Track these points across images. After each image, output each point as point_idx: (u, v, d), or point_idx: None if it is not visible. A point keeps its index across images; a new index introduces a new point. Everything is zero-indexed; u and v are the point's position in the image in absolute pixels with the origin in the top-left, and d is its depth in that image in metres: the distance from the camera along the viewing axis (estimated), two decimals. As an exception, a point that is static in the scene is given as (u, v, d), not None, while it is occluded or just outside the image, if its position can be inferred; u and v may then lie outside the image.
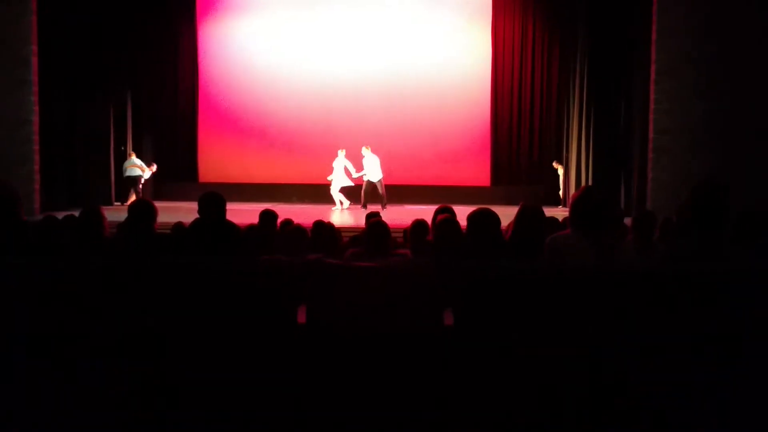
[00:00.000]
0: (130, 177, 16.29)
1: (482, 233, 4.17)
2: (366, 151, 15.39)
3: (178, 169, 17.70)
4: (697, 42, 12.08)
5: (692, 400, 3.21)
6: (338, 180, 15.57)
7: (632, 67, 14.15)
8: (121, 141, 16.51)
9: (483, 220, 4.21)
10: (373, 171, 15.23)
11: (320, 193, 16.53)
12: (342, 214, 14.34)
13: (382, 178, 15.28)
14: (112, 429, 3.33)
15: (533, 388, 3.28)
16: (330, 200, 15.70)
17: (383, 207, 14.92)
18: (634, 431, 3.25)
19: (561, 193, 16.73)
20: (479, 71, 17.57)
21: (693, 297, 3.23)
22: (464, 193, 15.79)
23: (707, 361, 3.20)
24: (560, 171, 16.82)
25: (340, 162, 15.55)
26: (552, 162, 17.03)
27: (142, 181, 16.36)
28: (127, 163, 16.32)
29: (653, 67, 12.52)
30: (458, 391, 3.31)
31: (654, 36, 12.48)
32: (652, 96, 12.56)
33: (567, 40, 16.90)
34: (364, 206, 15.00)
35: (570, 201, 3.94)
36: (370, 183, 15.29)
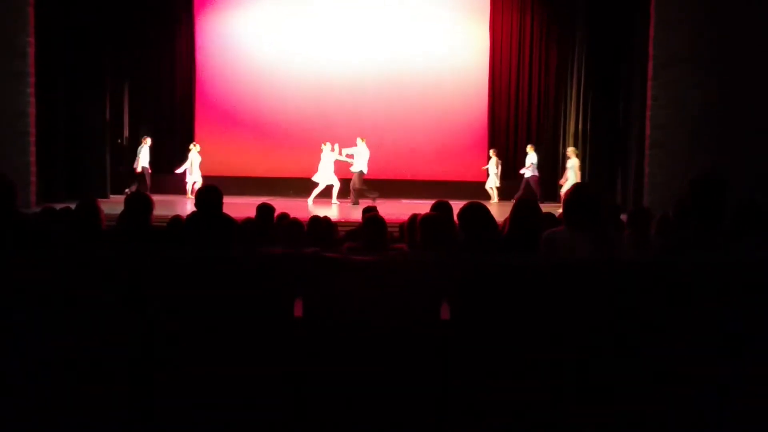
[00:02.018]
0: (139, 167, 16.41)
1: (474, 227, 4.17)
2: (361, 143, 15.33)
3: (175, 162, 17.66)
4: (695, 37, 12.07)
5: (691, 393, 3.23)
6: (328, 176, 15.38)
7: (630, 62, 14.14)
8: (117, 133, 16.50)
9: (473, 213, 4.23)
10: (360, 162, 15.16)
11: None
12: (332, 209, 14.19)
13: (365, 173, 15.21)
14: (107, 420, 3.33)
15: (531, 382, 3.29)
16: (327, 194, 15.63)
17: (354, 203, 14.91)
18: (633, 425, 3.26)
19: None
20: (477, 66, 17.57)
21: (691, 289, 3.24)
22: (461, 188, 15.77)
23: (706, 354, 3.21)
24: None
25: (331, 156, 15.38)
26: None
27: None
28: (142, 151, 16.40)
29: (651, 63, 12.51)
30: (455, 384, 3.32)
31: (652, 32, 12.47)
32: (649, 92, 12.56)
33: (565, 36, 16.90)
34: (356, 203, 14.94)
35: (563, 199, 3.94)
36: (354, 174, 15.21)
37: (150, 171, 16.47)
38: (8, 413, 3.31)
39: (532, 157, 16.21)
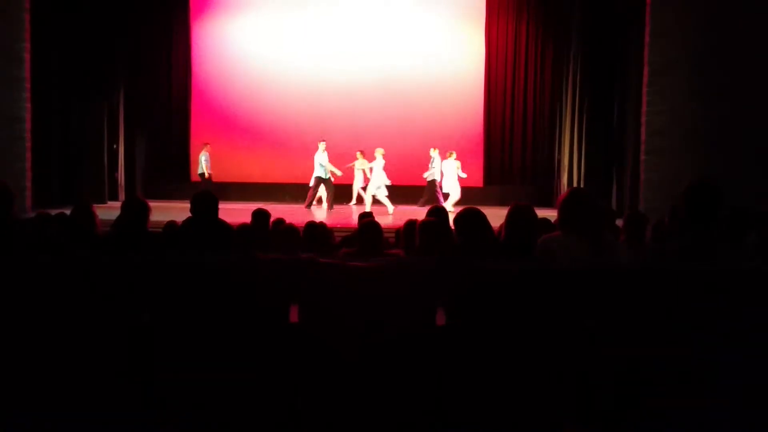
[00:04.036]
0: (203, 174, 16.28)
1: (470, 233, 4.18)
2: (322, 145, 15.15)
3: (171, 168, 17.65)
4: (690, 43, 12.10)
5: (686, 398, 3.23)
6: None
7: (626, 67, 14.18)
8: (113, 139, 16.48)
9: (469, 219, 4.23)
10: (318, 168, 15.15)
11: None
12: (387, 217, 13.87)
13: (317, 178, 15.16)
14: (103, 426, 3.32)
15: (525, 388, 3.29)
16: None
17: (306, 207, 14.90)
18: (628, 429, 3.26)
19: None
20: (473, 72, 17.59)
21: (685, 295, 3.24)
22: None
23: (700, 359, 3.22)
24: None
25: (379, 162, 15.16)
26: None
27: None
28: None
29: (646, 68, 12.54)
30: (451, 390, 3.32)
31: (647, 37, 12.51)
32: (644, 97, 12.58)
33: (560, 41, 16.94)
34: (309, 206, 14.99)
35: (557, 203, 3.94)
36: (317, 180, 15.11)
37: (209, 177, 16.20)
38: (8, 415, 3.30)
39: (437, 161, 15.80)
